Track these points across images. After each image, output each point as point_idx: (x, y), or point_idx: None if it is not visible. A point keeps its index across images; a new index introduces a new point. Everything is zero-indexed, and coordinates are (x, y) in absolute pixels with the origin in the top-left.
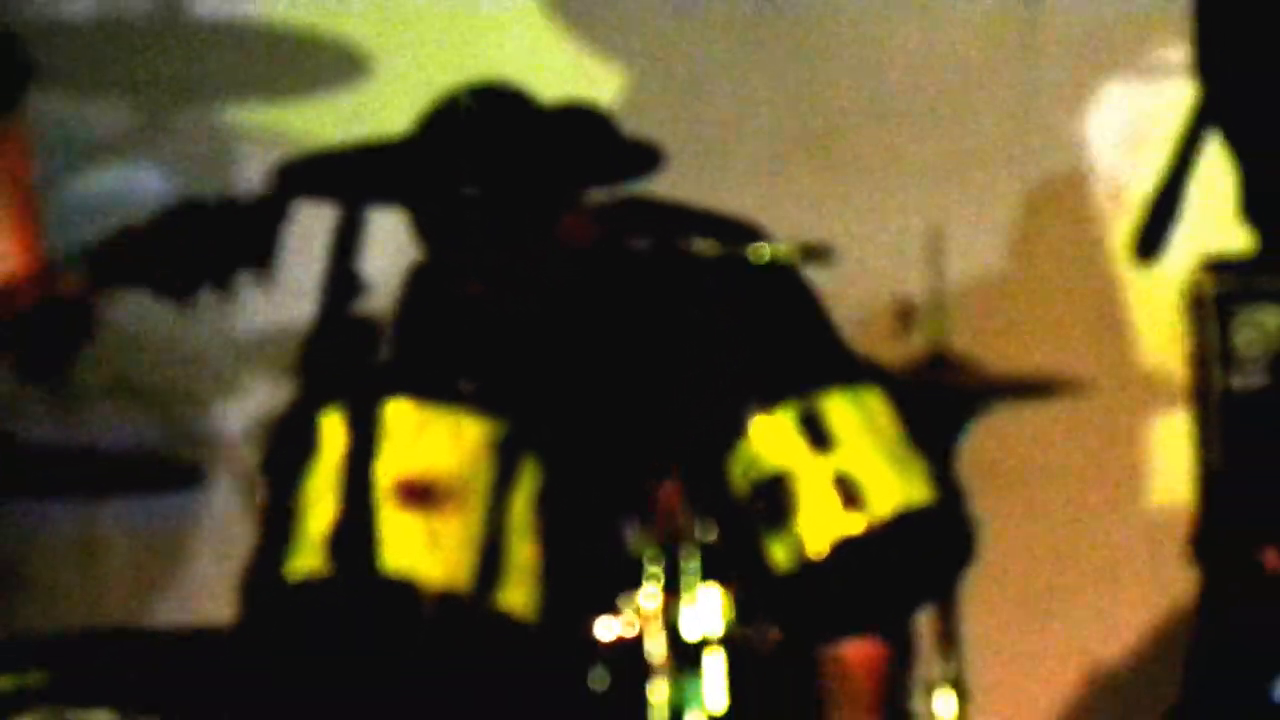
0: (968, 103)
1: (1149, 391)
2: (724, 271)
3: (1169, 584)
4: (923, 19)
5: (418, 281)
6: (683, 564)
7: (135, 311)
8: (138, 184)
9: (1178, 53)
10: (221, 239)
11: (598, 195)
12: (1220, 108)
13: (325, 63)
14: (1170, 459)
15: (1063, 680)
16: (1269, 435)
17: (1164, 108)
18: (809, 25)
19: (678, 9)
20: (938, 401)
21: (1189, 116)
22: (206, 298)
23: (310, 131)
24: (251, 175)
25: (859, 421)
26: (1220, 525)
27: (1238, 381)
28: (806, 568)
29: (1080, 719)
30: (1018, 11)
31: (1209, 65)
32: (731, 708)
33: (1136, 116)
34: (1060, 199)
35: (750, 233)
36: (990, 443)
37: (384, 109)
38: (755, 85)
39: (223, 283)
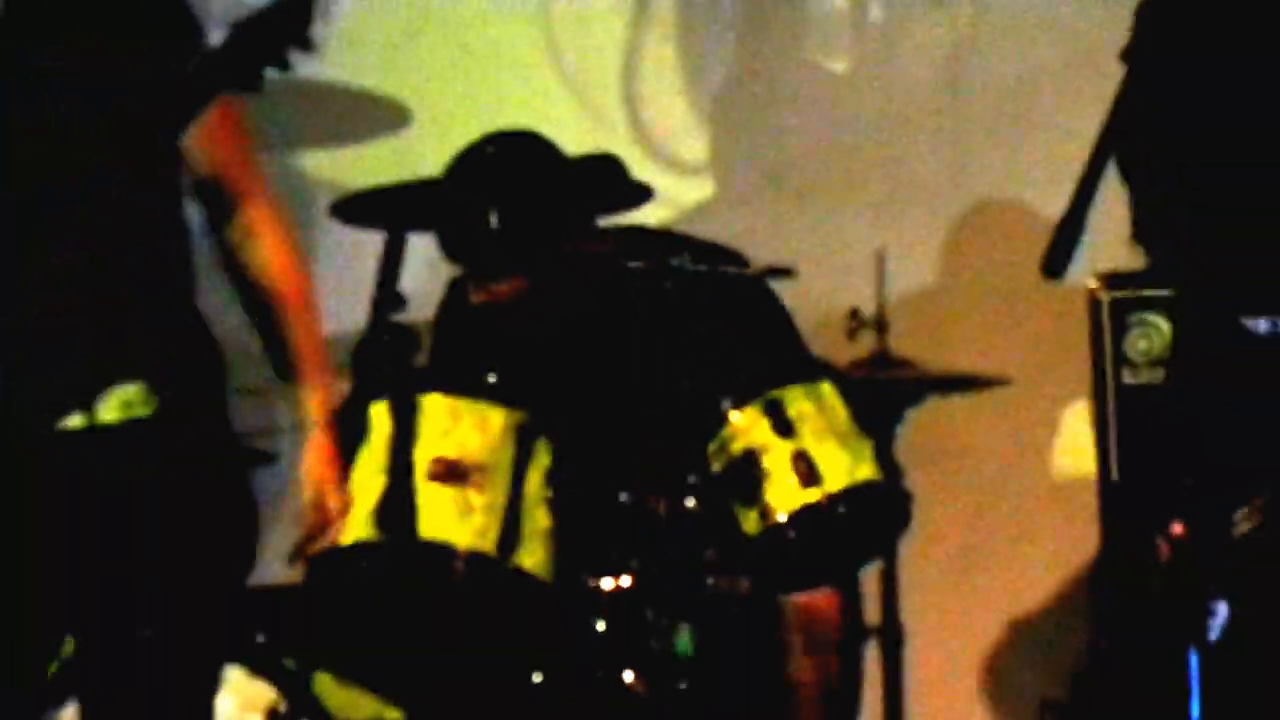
0: (906, 145)
1: (1057, 386)
2: (706, 287)
3: (1075, 547)
4: (867, 75)
5: (451, 295)
6: (671, 528)
7: (217, 330)
8: None
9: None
10: (271, 30)
11: (605, 223)
12: (1116, 145)
13: (373, 115)
14: (1075, 442)
15: (984, 626)
16: (1158, 424)
17: (1075, 146)
18: (773, 86)
19: (669, 81)
20: (880, 394)
21: (1091, 155)
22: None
23: (361, 172)
24: (319, 209)
25: (815, 411)
26: (1119, 502)
27: (1129, 378)
28: (772, 531)
29: (1000, 658)
30: (947, 66)
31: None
32: (712, 649)
33: (1052, 153)
34: (985, 225)
35: (727, 255)
36: (924, 428)
37: (422, 154)
38: (730, 135)
39: (283, 64)
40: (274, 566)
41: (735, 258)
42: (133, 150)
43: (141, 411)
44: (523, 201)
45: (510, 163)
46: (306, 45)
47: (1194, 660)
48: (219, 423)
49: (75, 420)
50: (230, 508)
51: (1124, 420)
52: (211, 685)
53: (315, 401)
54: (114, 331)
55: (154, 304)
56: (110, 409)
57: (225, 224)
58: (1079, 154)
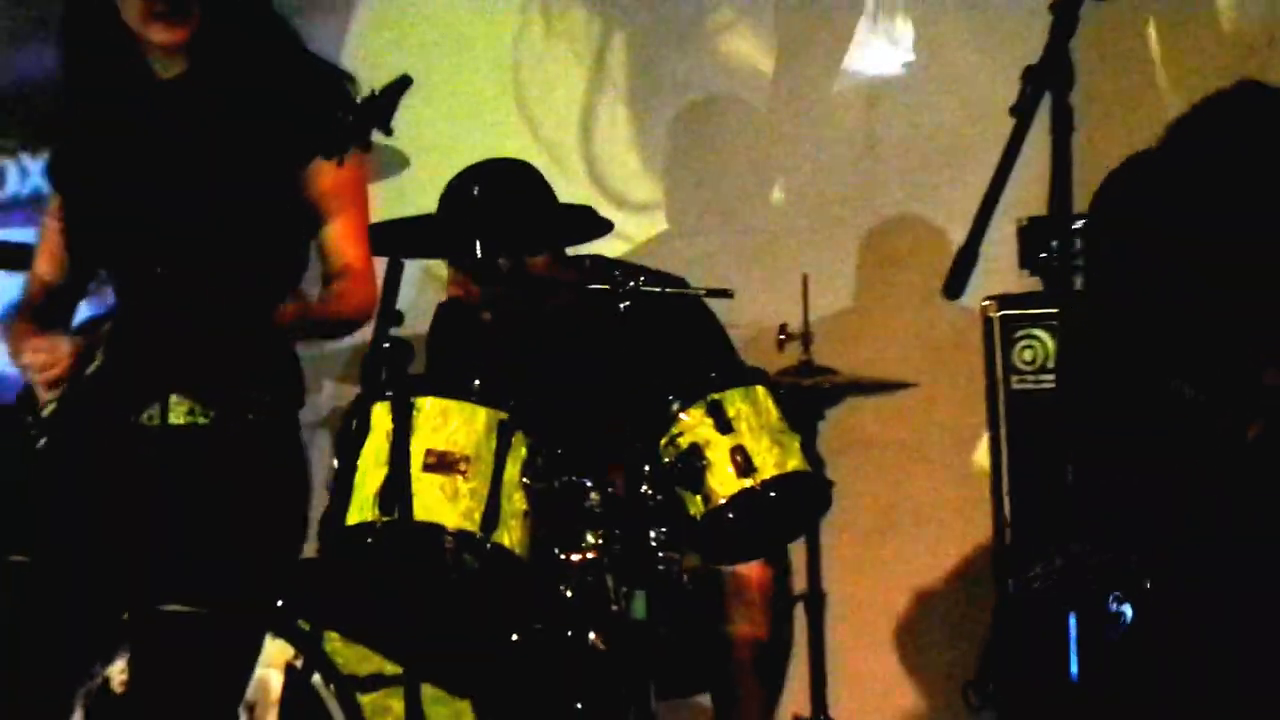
0: (827, 185)
1: (956, 390)
2: (656, 307)
3: (973, 527)
4: (793, 126)
5: (441, 314)
6: (630, 512)
7: None
8: None
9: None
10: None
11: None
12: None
13: (378, 161)
14: (973, 436)
15: (895, 593)
16: (1043, 423)
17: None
18: (711, 137)
19: (621, 133)
20: (805, 397)
21: (985, 194)
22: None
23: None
24: None
25: (750, 411)
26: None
27: (1016, 384)
28: (713, 513)
29: (911, 621)
30: (864, 118)
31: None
32: (662, 617)
33: (952, 192)
34: (894, 253)
35: (674, 281)
36: (842, 425)
37: (418, 194)
38: (673, 179)
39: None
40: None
41: (681, 283)
42: (269, 188)
43: (201, 420)
44: (504, 231)
45: (491, 197)
46: (386, 129)
47: (1072, 622)
48: (286, 431)
49: (151, 416)
50: (281, 502)
51: (1012, 419)
52: (255, 649)
53: None
54: (231, 346)
55: (261, 331)
56: (177, 414)
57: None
58: (975, 193)
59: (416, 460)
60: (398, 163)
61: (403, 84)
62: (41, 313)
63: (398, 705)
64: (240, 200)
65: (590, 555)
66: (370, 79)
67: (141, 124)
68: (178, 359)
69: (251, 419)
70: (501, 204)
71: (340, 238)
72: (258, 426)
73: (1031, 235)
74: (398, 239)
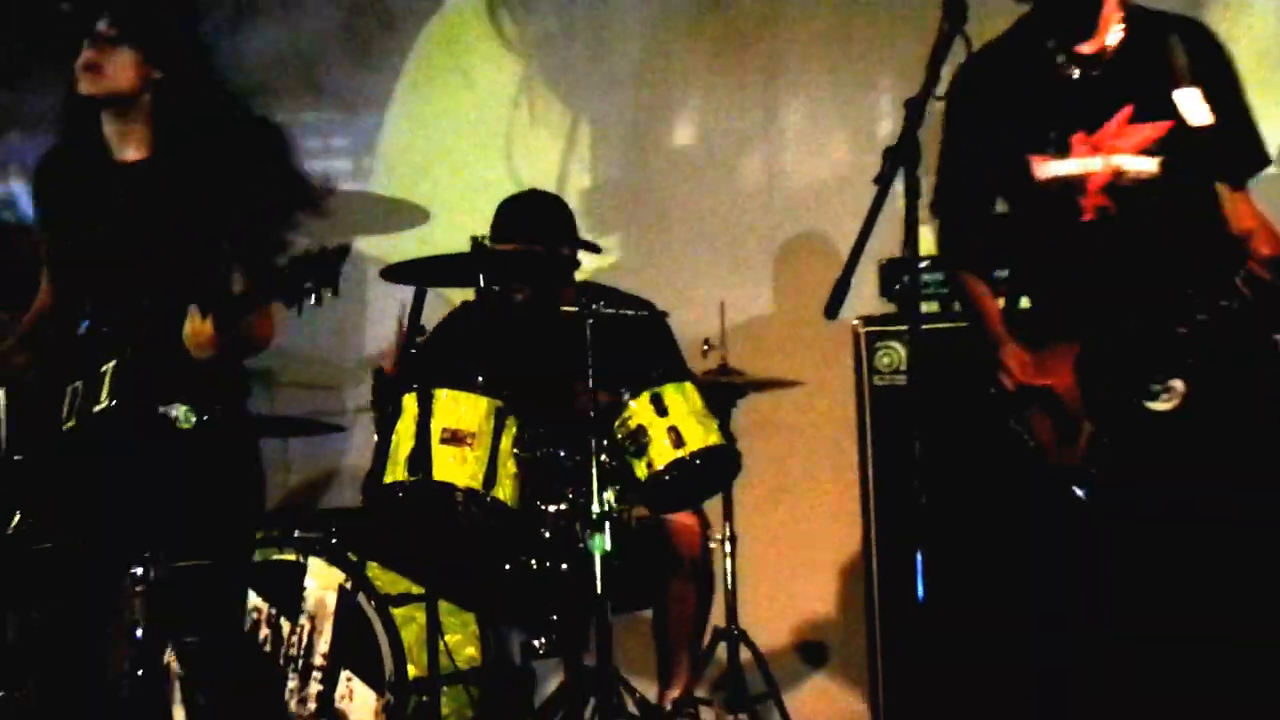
0: (740, 223)
1: (833, 385)
2: (620, 322)
3: (848, 489)
4: (712, 173)
5: (451, 320)
6: (593, 474)
7: (310, 347)
8: None
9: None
10: (311, 269)
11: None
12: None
13: (404, 215)
14: (845, 420)
15: (790, 536)
16: (899, 415)
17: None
18: (657, 195)
19: (587, 191)
20: (722, 391)
21: (859, 235)
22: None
23: (397, 251)
24: (373, 277)
25: (682, 400)
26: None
27: (877, 382)
28: (654, 476)
29: (799, 556)
30: (769, 161)
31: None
32: (616, 551)
33: (840, 229)
34: (792, 280)
35: (637, 302)
36: (749, 412)
37: (436, 240)
38: (623, 225)
39: (316, 298)
40: (345, 496)
41: (644, 303)
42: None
43: (187, 425)
44: (515, 266)
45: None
46: (335, 289)
47: (919, 557)
48: (243, 434)
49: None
50: (241, 484)
51: (874, 409)
52: (241, 588)
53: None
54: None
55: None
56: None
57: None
58: (854, 229)
59: (435, 436)
60: (419, 216)
61: (343, 251)
62: (31, 337)
63: (420, 616)
64: (187, 254)
65: (563, 506)
66: (403, 154)
67: (112, 197)
68: (170, 372)
69: (222, 416)
70: (553, 228)
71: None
72: (230, 420)
73: (888, 272)
74: (421, 273)
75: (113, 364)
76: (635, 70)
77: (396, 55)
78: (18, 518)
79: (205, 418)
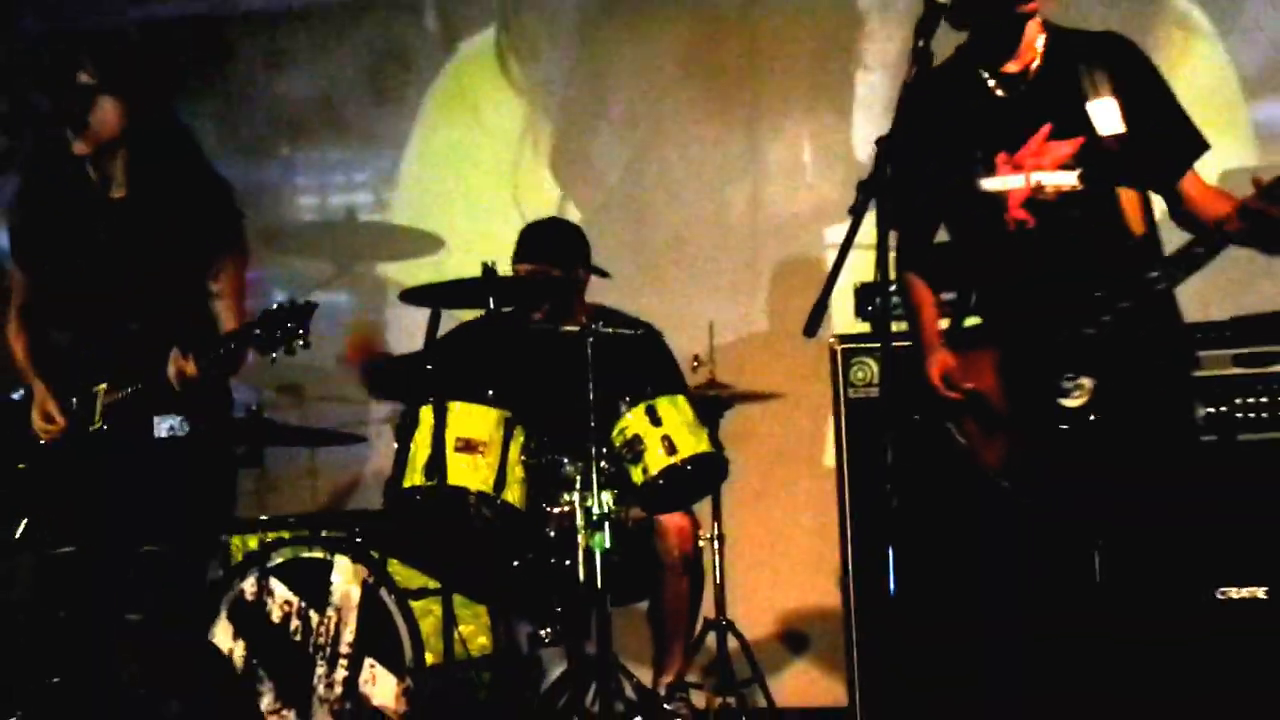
0: (728, 252)
1: (812, 397)
2: (621, 341)
3: (824, 488)
4: (699, 205)
5: (458, 335)
6: (593, 479)
7: (336, 365)
8: (337, 303)
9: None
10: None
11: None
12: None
13: (422, 243)
14: (822, 429)
15: (773, 535)
16: (872, 425)
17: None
18: (650, 226)
19: (586, 222)
20: (711, 403)
21: (834, 262)
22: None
23: (415, 276)
24: (392, 299)
25: (674, 411)
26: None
27: (852, 394)
28: (649, 481)
29: (781, 553)
30: (752, 195)
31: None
32: (614, 553)
33: (819, 255)
34: (774, 302)
35: (638, 323)
36: (736, 421)
37: (450, 266)
38: (621, 253)
39: (288, 349)
40: (368, 499)
41: (642, 324)
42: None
43: (180, 434)
44: (523, 291)
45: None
46: (306, 343)
47: (891, 554)
48: (223, 441)
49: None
50: (219, 482)
51: (849, 418)
52: (204, 577)
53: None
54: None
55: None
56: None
57: None
58: (831, 256)
59: (450, 444)
60: (435, 245)
61: (310, 307)
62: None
63: (437, 609)
64: (169, 284)
65: (566, 509)
66: (419, 188)
67: (96, 231)
68: (158, 392)
69: (209, 425)
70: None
71: (224, 310)
72: (216, 428)
73: (862, 294)
74: (437, 296)
75: (103, 387)
76: (629, 111)
77: (413, 98)
78: (24, 524)
79: (196, 428)
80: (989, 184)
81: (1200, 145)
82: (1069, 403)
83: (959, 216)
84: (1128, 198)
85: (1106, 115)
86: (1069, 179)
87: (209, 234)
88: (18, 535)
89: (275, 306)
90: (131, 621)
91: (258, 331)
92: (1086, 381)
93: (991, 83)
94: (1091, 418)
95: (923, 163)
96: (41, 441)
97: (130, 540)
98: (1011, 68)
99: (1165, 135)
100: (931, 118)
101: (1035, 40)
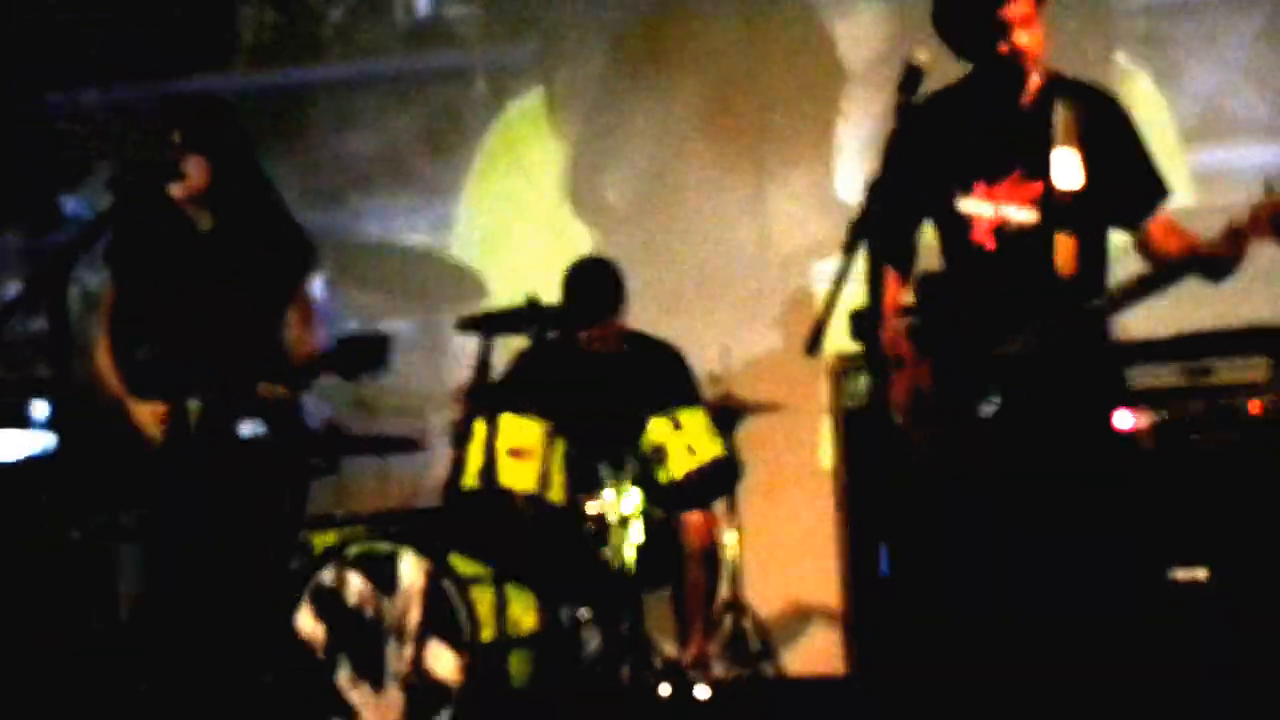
0: (740, 283)
1: (814, 409)
2: (647, 362)
3: (825, 487)
4: (706, 247)
5: (517, 361)
6: (624, 481)
7: (402, 383)
8: (399, 330)
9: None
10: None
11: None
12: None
13: (473, 280)
14: (822, 436)
15: (782, 529)
16: (871, 432)
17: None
18: (669, 263)
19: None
20: (725, 414)
21: (829, 296)
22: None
23: (469, 307)
24: (448, 327)
25: (694, 421)
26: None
27: (848, 404)
28: (673, 483)
29: (790, 543)
30: (759, 233)
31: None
32: (643, 545)
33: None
34: (788, 325)
35: (665, 345)
36: (749, 430)
37: (501, 297)
38: (645, 287)
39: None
40: (431, 499)
41: (667, 345)
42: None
43: (259, 437)
44: (559, 318)
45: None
46: (385, 368)
47: (883, 543)
48: (297, 444)
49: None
50: (294, 480)
51: (847, 425)
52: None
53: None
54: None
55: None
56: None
57: None
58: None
59: (501, 451)
60: (485, 279)
61: (385, 339)
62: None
63: (490, 593)
64: (253, 309)
65: (601, 507)
66: (471, 231)
67: (184, 257)
68: (243, 402)
69: (284, 429)
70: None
71: (297, 324)
72: (292, 431)
73: (857, 320)
74: (488, 324)
75: (197, 401)
76: (652, 161)
77: (466, 153)
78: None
79: (272, 432)
80: (964, 205)
81: (1161, 192)
82: (987, 409)
83: (941, 226)
84: (1063, 242)
85: (1067, 167)
86: (1030, 216)
87: (284, 263)
88: (132, 529)
89: (351, 335)
90: (221, 606)
91: (339, 360)
92: (1007, 395)
93: (986, 115)
94: (1006, 426)
95: (907, 172)
96: (156, 442)
97: (219, 534)
98: (1006, 104)
99: (1129, 184)
100: (927, 133)
101: (1030, 81)
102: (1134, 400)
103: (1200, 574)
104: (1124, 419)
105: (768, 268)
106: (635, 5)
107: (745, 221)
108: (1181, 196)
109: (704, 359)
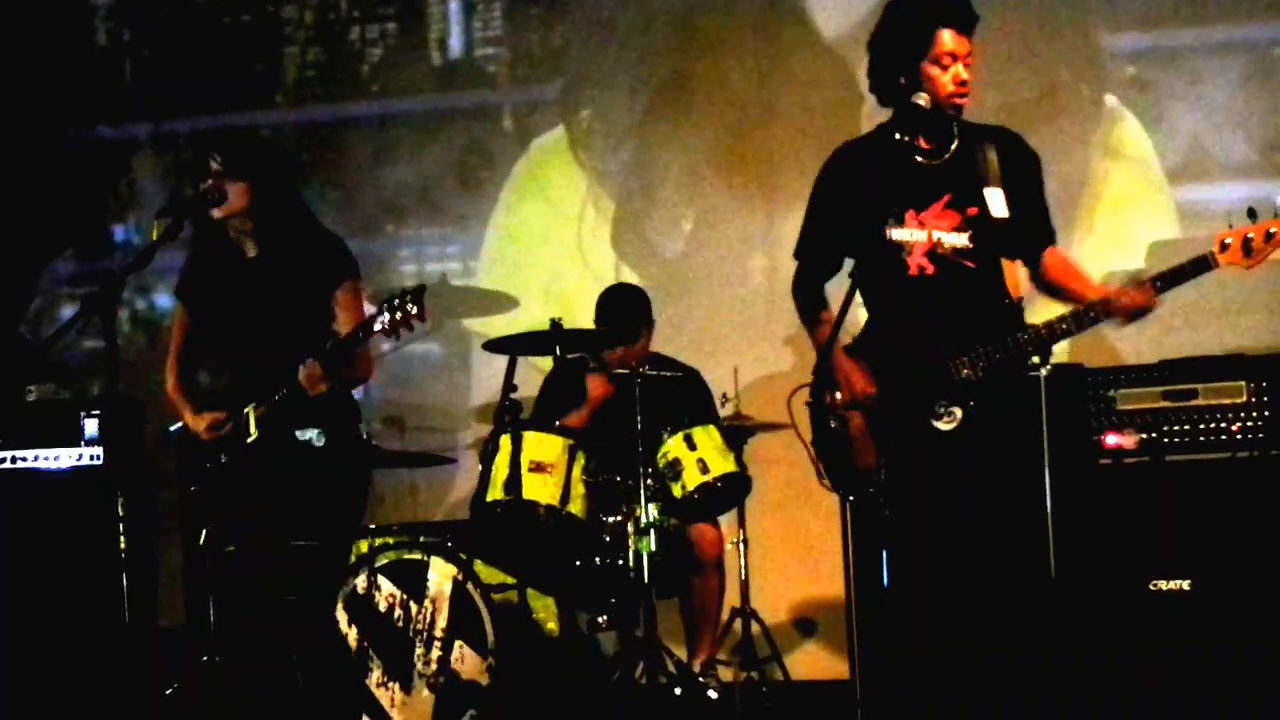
0: (750, 309)
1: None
2: (665, 382)
3: (827, 500)
4: (731, 273)
5: (547, 382)
6: (641, 494)
7: (431, 401)
8: (430, 351)
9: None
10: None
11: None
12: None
13: (500, 301)
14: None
15: (788, 539)
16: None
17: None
18: (684, 281)
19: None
20: (736, 432)
21: (831, 329)
22: None
23: (495, 329)
24: (476, 347)
25: (706, 438)
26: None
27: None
28: (686, 496)
29: (795, 553)
30: (769, 259)
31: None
32: (658, 550)
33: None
34: (795, 349)
35: (683, 367)
36: (757, 446)
37: (523, 320)
38: (660, 303)
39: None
40: (458, 511)
41: (684, 366)
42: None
43: (319, 444)
44: (583, 340)
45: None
46: (422, 317)
47: (885, 553)
48: (355, 452)
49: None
50: (353, 489)
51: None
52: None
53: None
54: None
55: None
56: (309, 436)
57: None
58: (832, 316)
59: (524, 465)
60: (512, 304)
61: (421, 288)
62: (185, 387)
63: (513, 599)
64: (302, 323)
65: (619, 518)
66: (499, 257)
67: (235, 285)
68: (300, 408)
69: (341, 436)
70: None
71: (345, 324)
72: (347, 438)
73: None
74: (514, 345)
75: (252, 407)
76: (671, 193)
77: (493, 186)
78: (205, 532)
79: (331, 439)
80: (897, 234)
81: (1050, 238)
82: (941, 425)
83: (872, 256)
84: (1008, 266)
85: (997, 201)
86: (961, 239)
87: (327, 274)
88: (201, 542)
89: (387, 293)
90: (283, 606)
91: (381, 318)
92: (958, 410)
93: (913, 155)
94: (959, 439)
95: (836, 211)
96: (215, 443)
97: (283, 536)
98: (930, 148)
99: (1031, 224)
100: (853, 174)
101: (951, 128)
102: (1119, 421)
103: (1184, 584)
104: (1112, 438)
105: (777, 296)
106: (652, 46)
107: (755, 252)
108: (1167, 229)
109: (717, 380)
